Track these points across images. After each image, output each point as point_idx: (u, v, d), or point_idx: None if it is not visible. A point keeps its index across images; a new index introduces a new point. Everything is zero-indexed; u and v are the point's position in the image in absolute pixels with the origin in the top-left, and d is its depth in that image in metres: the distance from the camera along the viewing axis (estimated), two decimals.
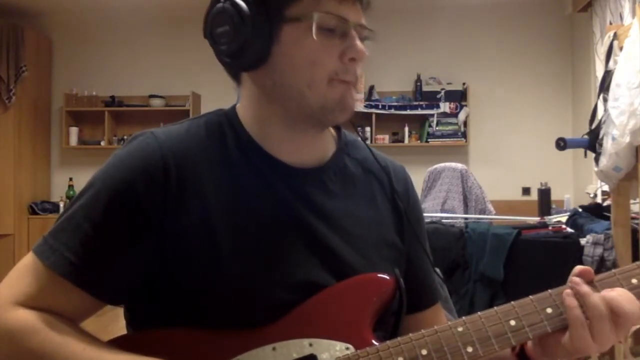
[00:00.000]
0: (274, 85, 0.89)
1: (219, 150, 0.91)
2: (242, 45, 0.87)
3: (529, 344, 0.86)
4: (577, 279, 0.81)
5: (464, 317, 0.83)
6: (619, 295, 0.79)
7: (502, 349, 0.81)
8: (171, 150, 0.87)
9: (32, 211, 6.18)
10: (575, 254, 3.20)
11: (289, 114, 0.91)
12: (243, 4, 0.86)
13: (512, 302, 0.83)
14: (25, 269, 0.85)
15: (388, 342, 0.82)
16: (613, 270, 0.83)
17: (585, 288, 0.80)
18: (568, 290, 0.80)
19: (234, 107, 0.97)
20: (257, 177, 0.91)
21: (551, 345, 0.82)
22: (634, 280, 0.82)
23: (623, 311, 0.78)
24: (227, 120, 0.94)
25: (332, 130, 1.01)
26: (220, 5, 0.88)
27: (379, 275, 0.90)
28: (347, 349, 0.83)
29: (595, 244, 3.15)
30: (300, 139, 0.94)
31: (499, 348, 0.81)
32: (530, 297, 0.83)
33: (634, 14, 3.92)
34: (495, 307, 0.82)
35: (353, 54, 0.87)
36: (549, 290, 0.83)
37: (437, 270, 1.09)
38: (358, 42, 0.88)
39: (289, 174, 0.92)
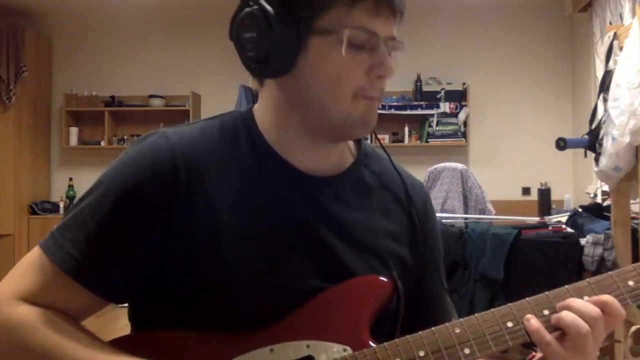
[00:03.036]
0: (297, 94, 0.87)
1: (231, 153, 0.90)
2: (268, 53, 0.84)
3: None
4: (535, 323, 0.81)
5: (461, 319, 0.83)
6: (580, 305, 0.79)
7: (499, 350, 0.81)
8: (182, 151, 0.86)
9: (32, 211, 6.19)
10: (575, 254, 3.20)
11: (308, 125, 0.89)
12: (272, 11, 0.83)
13: (509, 304, 0.83)
14: (31, 263, 0.85)
15: (385, 344, 0.82)
16: (609, 273, 0.83)
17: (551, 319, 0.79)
18: (535, 330, 0.79)
19: (250, 109, 0.95)
20: (269, 181, 0.90)
21: None
22: (631, 283, 0.82)
23: (592, 319, 0.78)
24: (243, 122, 0.93)
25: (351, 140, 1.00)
26: (248, 10, 0.85)
27: (376, 277, 0.90)
28: (345, 350, 0.83)
29: (595, 244, 3.15)
30: (317, 148, 0.92)
31: (496, 349, 0.81)
32: (527, 299, 0.83)
33: (634, 14, 3.92)
34: (492, 309, 0.83)
35: (382, 72, 0.85)
36: (546, 292, 0.83)
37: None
38: (387, 59, 0.85)
39: (303, 181, 0.91)
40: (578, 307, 0.79)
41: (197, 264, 0.85)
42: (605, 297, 0.80)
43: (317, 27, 0.83)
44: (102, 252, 0.84)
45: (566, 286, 0.83)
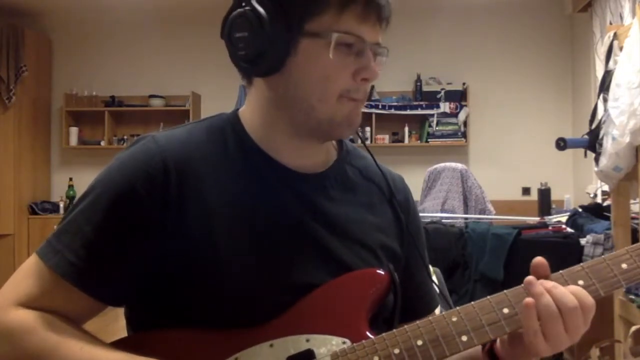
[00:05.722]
0: (285, 93, 0.90)
1: (220, 153, 0.91)
2: (259, 52, 0.87)
3: (498, 343, 0.88)
4: (531, 278, 0.82)
5: (457, 307, 0.84)
6: (568, 291, 0.80)
7: (496, 336, 0.82)
8: (172, 153, 0.88)
9: (32, 211, 6.18)
10: (575, 254, 3.20)
11: (295, 123, 0.91)
12: (264, 13, 0.86)
13: (505, 291, 0.84)
14: (28, 270, 0.86)
15: (384, 334, 0.83)
16: (603, 257, 0.84)
17: (538, 289, 0.80)
18: (529, 300, 0.79)
19: (236, 112, 0.97)
20: (258, 179, 0.91)
21: (519, 345, 0.83)
22: (624, 265, 0.83)
23: (567, 307, 0.78)
24: (230, 124, 0.95)
25: None
26: (241, 10, 0.88)
27: (374, 270, 0.91)
28: (344, 342, 0.84)
29: (595, 244, 3.15)
30: (304, 146, 0.94)
31: (493, 336, 0.82)
32: (522, 285, 0.83)
33: (634, 14, 3.92)
34: (488, 297, 0.83)
35: (367, 75, 0.89)
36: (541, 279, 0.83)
37: (436, 272, 1.09)
38: (372, 63, 0.89)
39: (291, 178, 0.93)
40: (556, 294, 0.80)
41: (192, 264, 0.86)
42: (573, 288, 0.81)
43: (307, 30, 0.86)
44: (98, 255, 0.85)
45: (561, 271, 0.84)
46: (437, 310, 1.07)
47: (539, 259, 0.84)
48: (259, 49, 0.86)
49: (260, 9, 0.86)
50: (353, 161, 1.02)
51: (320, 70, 0.87)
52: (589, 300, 0.80)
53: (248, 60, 0.89)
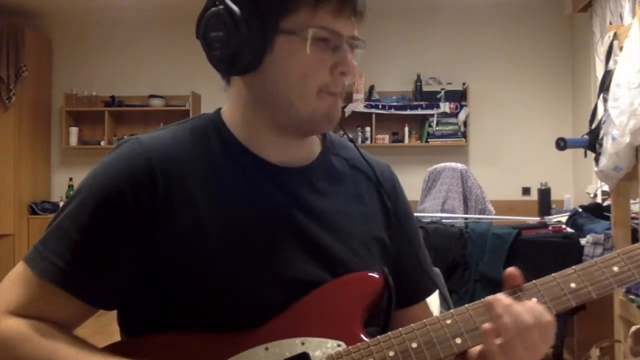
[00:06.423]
0: (264, 91, 0.90)
1: (205, 153, 0.91)
2: (235, 52, 0.87)
3: (467, 355, 0.88)
4: (491, 299, 0.81)
5: (452, 310, 0.84)
6: (524, 309, 0.79)
7: None
8: (156, 154, 0.88)
9: (32, 211, 6.18)
10: (575, 254, 3.20)
11: (276, 122, 0.91)
12: (238, 12, 0.85)
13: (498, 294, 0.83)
14: (16, 277, 0.86)
15: (379, 337, 0.83)
16: (595, 260, 0.84)
17: (497, 311, 0.79)
18: (487, 327, 0.79)
19: (218, 111, 0.98)
20: (245, 178, 0.91)
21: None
22: (615, 268, 0.83)
23: (522, 327, 0.78)
24: (212, 124, 0.95)
25: None
26: (214, 9, 0.88)
27: (369, 273, 0.91)
28: (339, 345, 0.84)
29: (595, 244, 3.15)
30: (286, 142, 0.94)
31: None
32: (516, 288, 0.84)
33: (634, 14, 3.92)
34: (481, 299, 0.83)
35: (344, 69, 0.88)
36: (534, 281, 0.84)
37: (436, 272, 1.08)
38: (349, 57, 0.89)
39: (276, 174, 0.93)
40: (512, 313, 0.79)
41: (183, 264, 0.85)
42: (530, 305, 0.80)
43: (283, 28, 0.86)
44: (85, 259, 0.84)
45: (553, 274, 0.84)
46: (436, 308, 1.06)
47: (511, 269, 0.84)
48: (235, 48, 0.86)
49: (235, 8, 0.85)
50: (339, 152, 1.02)
51: (298, 68, 0.86)
52: (545, 318, 0.79)
53: (224, 60, 0.88)
